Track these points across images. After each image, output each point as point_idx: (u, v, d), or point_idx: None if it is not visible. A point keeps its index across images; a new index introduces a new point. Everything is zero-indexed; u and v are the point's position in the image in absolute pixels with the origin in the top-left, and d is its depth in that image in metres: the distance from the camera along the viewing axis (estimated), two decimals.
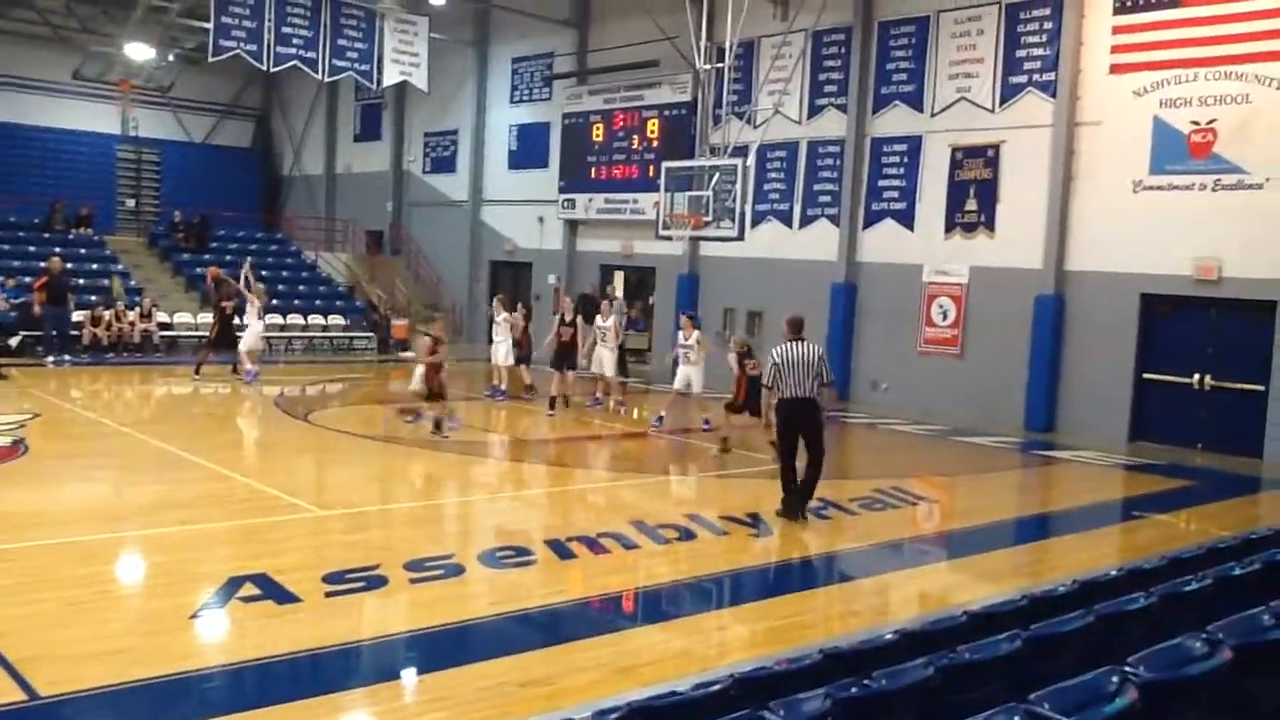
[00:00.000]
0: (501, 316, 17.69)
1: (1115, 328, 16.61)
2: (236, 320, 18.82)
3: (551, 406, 16.37)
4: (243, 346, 18.15)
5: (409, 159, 31.28)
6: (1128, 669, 3.48)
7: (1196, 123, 15.68)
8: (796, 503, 10.09)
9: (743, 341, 14.15)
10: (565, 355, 16.72)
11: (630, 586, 8.29)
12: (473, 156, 28.65)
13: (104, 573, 7.81)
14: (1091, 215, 16.94)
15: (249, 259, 20.54)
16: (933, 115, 18.95)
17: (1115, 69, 16.61)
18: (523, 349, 17.68)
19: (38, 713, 5.29)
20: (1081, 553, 9.73)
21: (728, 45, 17.16)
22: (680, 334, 15.60)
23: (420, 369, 14.25)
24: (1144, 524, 11.51)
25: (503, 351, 17.64)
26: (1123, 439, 16.46)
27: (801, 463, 10.12)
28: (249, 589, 7.19)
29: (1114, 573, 6.68)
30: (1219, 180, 15.45)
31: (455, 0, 25.43)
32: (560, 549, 8.72)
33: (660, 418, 15.46)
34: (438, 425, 14.00)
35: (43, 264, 21.51)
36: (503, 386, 17.85)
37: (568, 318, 16.91)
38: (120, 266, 25.09)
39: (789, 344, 10.05)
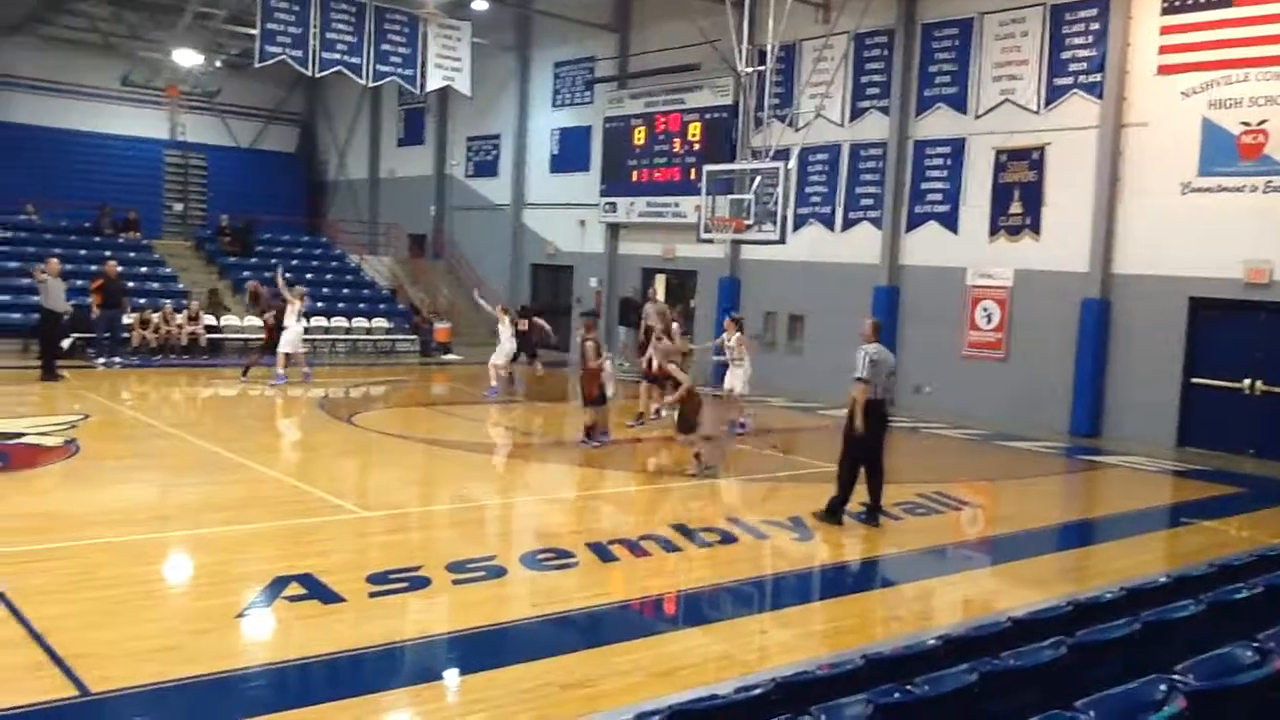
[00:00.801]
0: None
1: (1163, 331, 16.38)
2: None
3: (639, 420, 16.05)
4: (281, 348, 18.39)
5: (451, 163, 31.51)
6: (1175, 677, 3.45)
7: (1247, 124, 15.42)
8: (872, 509, 10.23)
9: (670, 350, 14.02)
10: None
11: (671, 589, 8.30)
12: (514, 160, 28.82)
13: (153, 572, 7.94)
14: (1139, 218, 16.71)
15: (280, 265, 20.48)
16: (976, 117, 18.78)
17: (1163, 70, 16.38)
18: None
19: (89, 708, 5.40)
20: (1128, 559, 9.62)
21: (769, 48, 17.12)
22: (723, 335, 15.67)
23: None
24: (1192, 530, 11.34)
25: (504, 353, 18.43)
26: (1170, 444, 16.23)
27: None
28: (294, 589, 7.28)
29: (1161, 579, 6.61)
30: (1270, 182, 15.18)
31: (497, 5, 25.60)
32: (602, 551, 8.75)
33: (741, 424, 15.57)
34: (590, 432, 13.97)
35: (93, 267, 21.94)
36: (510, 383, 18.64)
37: (655, 330, 16.65)
38: (168, 269, 25.50)
39: (876, 346, 10.09)
